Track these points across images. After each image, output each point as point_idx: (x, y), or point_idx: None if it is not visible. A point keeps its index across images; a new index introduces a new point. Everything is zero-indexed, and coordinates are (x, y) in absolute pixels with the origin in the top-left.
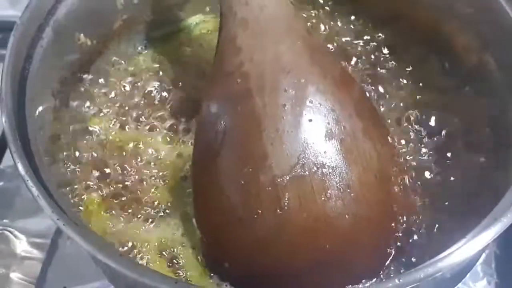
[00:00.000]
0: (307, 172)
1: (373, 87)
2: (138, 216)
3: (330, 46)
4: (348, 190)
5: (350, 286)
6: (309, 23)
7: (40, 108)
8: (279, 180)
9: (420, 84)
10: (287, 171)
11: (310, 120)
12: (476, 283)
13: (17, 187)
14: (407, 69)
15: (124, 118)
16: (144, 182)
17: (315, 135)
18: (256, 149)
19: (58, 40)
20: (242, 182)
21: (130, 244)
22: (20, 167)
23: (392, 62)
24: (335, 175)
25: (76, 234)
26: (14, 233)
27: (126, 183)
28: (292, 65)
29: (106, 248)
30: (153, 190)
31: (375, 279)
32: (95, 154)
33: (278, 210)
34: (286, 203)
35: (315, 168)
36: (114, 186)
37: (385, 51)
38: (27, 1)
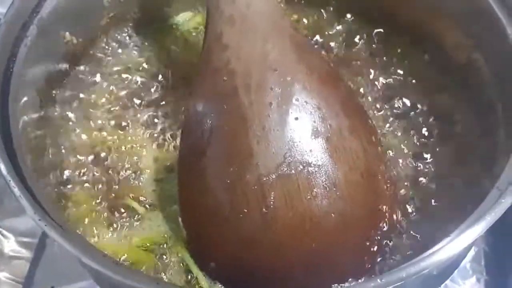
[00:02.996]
0: (293, 171)
1: (361, 84)
2: (122, 215)
3: (316, 39)
4: (334, 189)
5: (336, 285)
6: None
7: (25, 107)
8: (265, 178)
9: (409, 81)
10: (273, 170)
11: (296, 119)
12: (465, 281)
13: (4, 185)
14: (396, 65)
15: (110, 116)
16: (129, 181)
17: (301, 133)
18: (242, 148)
19: (43, 39)
20: (228, 181)
21: (114, 243)
22: (2, 167)
23: (382, 58)
24: (321, 173)
25: (58, 235)
26: (2, 232)
27: (111, 182)
28: (279, 63)
29: (89, 249)
30: (138, 188)
31: (360, 278)
32: (79, 153)
33: (264, 209)
34: (272, 202)
35: (301, 167)
36: (97, 184)
37: (375, 48)
38: None
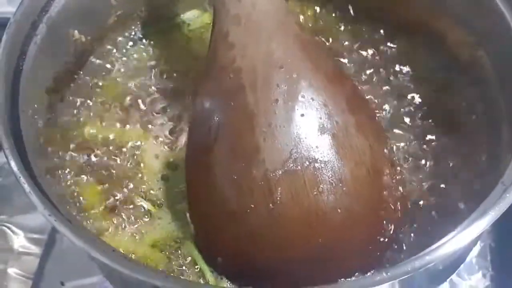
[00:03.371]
0: (299, 167)
1: (366, 81)
2: (131, 214)
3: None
4: (340, 185)
5: (342, 279)
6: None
7: (34, 105)
8: (271, 174)
9: (412, 79)
10: (280, 166)
11: (302, 115)
12: (471, 276)
13: (14, 182)
14: (399, 63)
15: (117, 114)
16: (136, 179)
17: (307, 129)
18: (249, 144)
19: (52, 37)
20: (235, 177)
21: (122, 247)
22: (12, 164)
23: (383, 56)
24: (327, 169)
25: (68, 231)
26: (11, 229)
27: (117, 180)
28: (284, 60)
29: (98, 244)
30: (144, 186)
31: (367, 272)
32: (86, 151)
33: (270, 205)
34: (278, 198)
35: (307, 163)
36: (104, 183)
37: (376, 45)
38: None
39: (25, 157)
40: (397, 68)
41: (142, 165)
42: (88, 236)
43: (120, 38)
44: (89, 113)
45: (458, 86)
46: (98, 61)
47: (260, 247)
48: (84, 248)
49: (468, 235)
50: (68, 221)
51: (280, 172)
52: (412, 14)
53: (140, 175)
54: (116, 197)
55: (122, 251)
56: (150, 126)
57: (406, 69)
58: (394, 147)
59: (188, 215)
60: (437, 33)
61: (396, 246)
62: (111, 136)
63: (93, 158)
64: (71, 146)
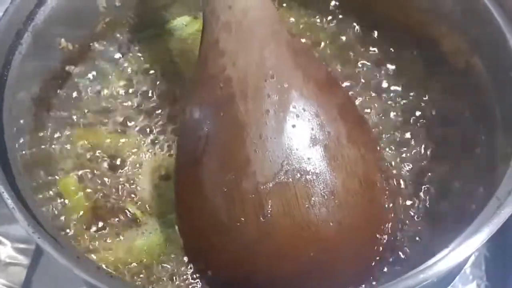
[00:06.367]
0: (290, 179)
1: (360, 91)
2: (120, 221)
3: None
4: (332, 197)
5: None
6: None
7: (19, 115)
8: (262, 187)
9: (408, 87)
10: (271, 178)
11: (294, 126)
12: (466, 286)
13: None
14: (393, 71)
15: (106, 123)
16: (126, 188)
17: (299, 141)
18: (239, 156)
19: (38, 46)
20: (225, 189)
21: (110, 255)
22: None
23: (380, 64)
24: (319, 181)
25: (51, 248)
26: None
27: (108, 188)
28: (276, 69)
29: (82, 262)
30: (135, 194)
31: (360, 287)
32: (74, 160)
33: (261, 218)
34: (269, 211)
35: (299, 175)
36: (94, 191)
37: (371, 52)
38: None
39: (9, 170)
40: (392, 76)
41: (133, 174)
42: (73, 254)
43: (109, 45)
44: (77, 122)
45: (454, 94)
46: (85, 69)
47: (251, 261)
48: (67, 266)
49: (463, 251)
50: (53, 238)
51: (271, 185)
52: (407, 21)
53: (131, 184)
54: (106, 206)
55: (107, 265)
56: (140, 134)
57: (400, 77)
58: (387, 159)
59: (177, 227)
60: (433, 41)
61: (389, 260)
62: (99, 145)
63: (82, 167)
64: (58, 156)
